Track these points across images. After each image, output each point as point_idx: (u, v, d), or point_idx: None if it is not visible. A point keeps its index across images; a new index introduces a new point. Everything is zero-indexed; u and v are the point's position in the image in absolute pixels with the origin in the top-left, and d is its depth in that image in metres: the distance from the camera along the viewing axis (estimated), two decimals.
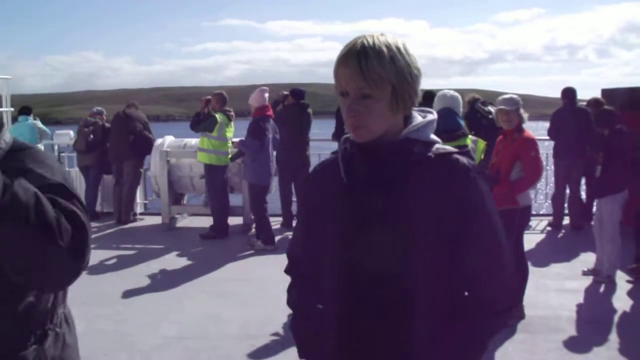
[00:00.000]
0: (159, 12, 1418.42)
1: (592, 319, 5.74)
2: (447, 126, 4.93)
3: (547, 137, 9.69)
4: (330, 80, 1.73)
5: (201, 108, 9.08)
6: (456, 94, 5.25)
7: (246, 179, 8.75)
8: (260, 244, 8.40)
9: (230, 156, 9.11)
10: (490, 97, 5.31)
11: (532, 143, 5.56)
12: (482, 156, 4.98)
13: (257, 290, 6.59)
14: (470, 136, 5.02)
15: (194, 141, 9.89)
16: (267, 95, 8.53)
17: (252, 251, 8.35)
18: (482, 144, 5.00)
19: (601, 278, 6.73)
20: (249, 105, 8.48)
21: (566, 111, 9.33)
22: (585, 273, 6.99)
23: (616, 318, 5.79)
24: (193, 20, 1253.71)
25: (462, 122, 5.08)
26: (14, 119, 11.28)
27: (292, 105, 9.35)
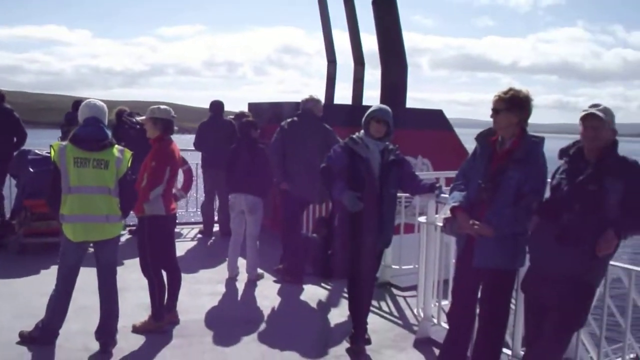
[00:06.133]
0: None
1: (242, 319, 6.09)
2: (93, 136, 4.90)
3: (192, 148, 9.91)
4: None
5: None
6: (102, 103, 5.20)
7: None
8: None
9: None
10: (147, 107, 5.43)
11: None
12: (129, 165, 5.05)
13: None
14: (117, 146, 5.07)
15: None
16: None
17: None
18: (128, 154, 5.08)
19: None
20: None
21: (212, 123, 9.65)
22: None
23: (263, 316, 6.26)
24: None
25: (109, 132, 5.13)
26: None
27: None
